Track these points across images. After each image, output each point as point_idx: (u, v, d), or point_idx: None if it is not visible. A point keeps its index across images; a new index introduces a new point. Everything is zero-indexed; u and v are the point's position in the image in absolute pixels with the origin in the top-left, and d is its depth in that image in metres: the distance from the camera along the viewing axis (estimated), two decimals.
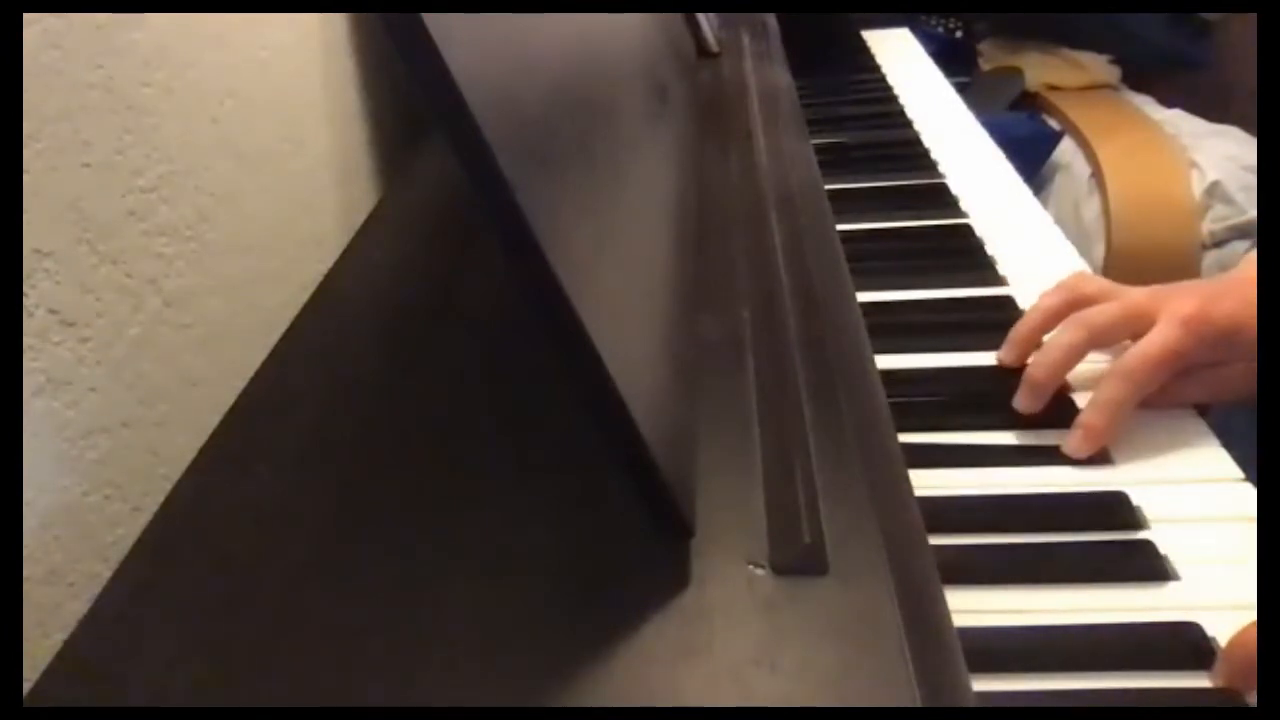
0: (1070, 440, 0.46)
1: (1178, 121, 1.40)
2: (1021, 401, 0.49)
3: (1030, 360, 0.50)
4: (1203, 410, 0.48)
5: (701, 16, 0.83)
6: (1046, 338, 0.51)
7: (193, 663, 0.28)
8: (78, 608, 0.36)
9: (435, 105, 0.22)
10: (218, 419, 0.39)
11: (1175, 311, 0.48)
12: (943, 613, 0.32)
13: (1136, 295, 0.50)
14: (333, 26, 0.65)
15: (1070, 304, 0.51)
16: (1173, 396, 0.48)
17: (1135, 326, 0.49)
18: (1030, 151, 1.35)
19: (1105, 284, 0.52)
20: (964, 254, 0.65)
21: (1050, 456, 0.46)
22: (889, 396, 0.41)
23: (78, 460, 0.37)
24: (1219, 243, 1.23)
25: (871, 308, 0.56)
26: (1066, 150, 1.39)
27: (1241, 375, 0.47)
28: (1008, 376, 0.52)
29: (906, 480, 0.37)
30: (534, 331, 0.26)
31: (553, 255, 0.24)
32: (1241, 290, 0.48)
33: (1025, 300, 0.57)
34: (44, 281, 0.36)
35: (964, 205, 0.71)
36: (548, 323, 0.25)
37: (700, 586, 0.28)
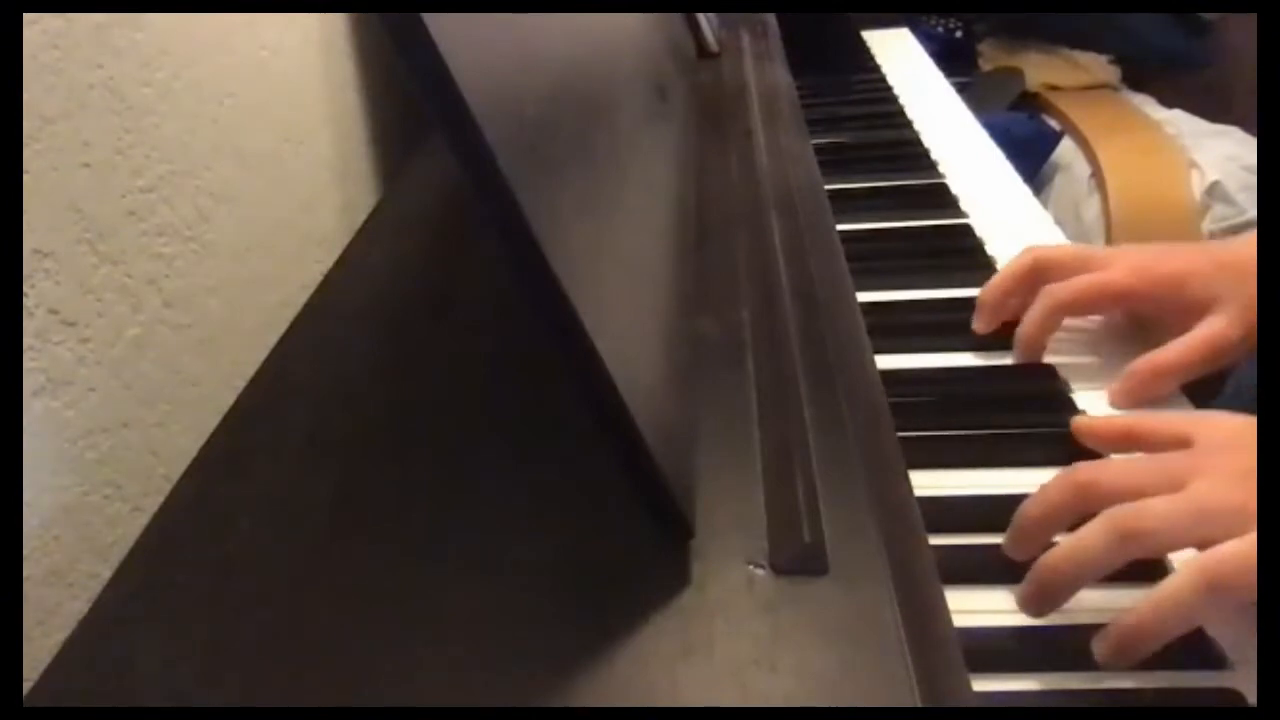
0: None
1: (1178, 121, 1.40)
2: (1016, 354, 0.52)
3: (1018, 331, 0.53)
4: (1200, 407, 0.48)
5: (701, 16, 0.83)
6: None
7: (193, 662, 0.28)
8: (78, 608, 0.36)
9: (435, 105, 0.22)
10: (218, 419, 0.39)
11: (1125, 258, 0.51)
12: (943, 613, 0.32)
13: (1098, 249, 0.53)
14: (333, 26, 0.65)
15: (1033, 268, 0.53)
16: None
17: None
18: (1030, 151, 1.35)
19: (1066, 247, 0.55)
20: (964, 254, 0.65)
21: (1050, 457, 0.46)
22: (889, 396, 0.41)
23: (78, 460, 0.37)
24: None
25: (871, 308, 0.56)
26: (1066, 150, 1.39)
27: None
28: (1008, 376, 0.52)
29: (906, 480, 0.37)
30: (534, 332, 0.26)
31: (552, 255, 0.24)
32: (1199, 247, 0.51)
33: None
34: (44, 281, 0.36)
35: (964, 205, 0.71)
36: (547, 323, 0.25)
37: (700, 586, 0.28)
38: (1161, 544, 0.36)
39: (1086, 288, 0.51)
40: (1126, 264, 0.51)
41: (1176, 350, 0.48)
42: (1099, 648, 0.34)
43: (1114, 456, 0.43)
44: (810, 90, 0.91)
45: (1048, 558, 0.36)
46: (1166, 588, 0.33)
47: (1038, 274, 0.53)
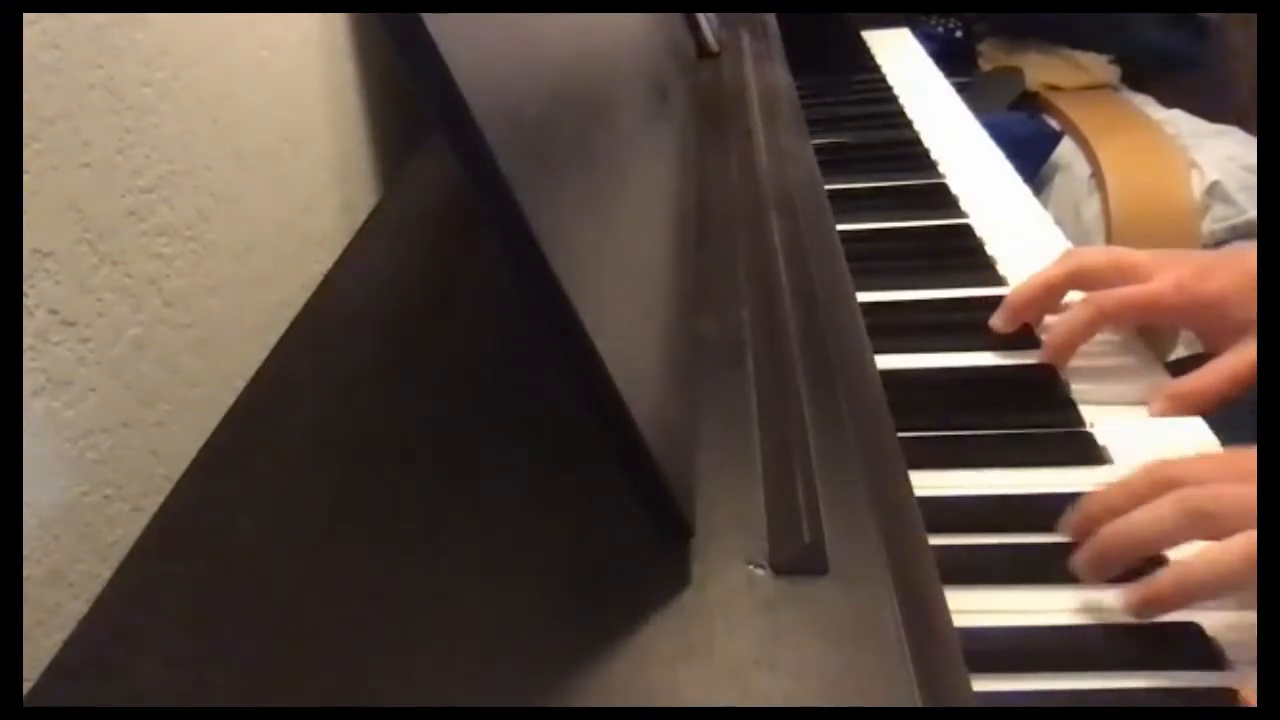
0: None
1: (1178, 121, 1.40)
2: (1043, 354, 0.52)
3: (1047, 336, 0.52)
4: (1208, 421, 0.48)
5: (701, 16, 0.83)
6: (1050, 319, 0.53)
7: (193, 662, 0.28)
8: (78, 608, 0.36)
9: (435, 105, 0.22)
10: (218, 419, 0.39)
11: (1169, 271, 0.51)
12: (943, 613, 0.32)
13: (1138, 257, 0.52)
14: (333, 26, 0.65)
15: (1074, 277, 0.52)
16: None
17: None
18: (1030, 151, 1.35)
19: (1104, 255, 0.54)
20: (964, 254, 0.65)
21: (1051, 457, 0.46)
22: (889, 396, 0.41)
23: (78, 460, 0.37)
24: (1219, 243, 1.23)
25: (871, 308, 0.56)
26: (1066, 150, 1.39)
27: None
28: (1008, 376, 0.52)
29: (906, 480, 0.37)
30: (534, 332, 0.26)
31: (552, 255, 0.24)
32: (1238, 263, 0.50)
33: None
34: (44, 281, 0.36)
35: (964, 205, 0.71)
36: (547, 323, 0.25)
37: (700, 586, 0.28)
38: (1226, 528, 0.36)
39: (1133, 301, 0.50)
40: (1170, 279, 0.50)
41: (1210, 377, 0.48)
42: (1130, 596, 0.36)
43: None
44: (810, 90, 0.91)
45: (1115, 523, 0.37)
46: (1215, 549, 0.35)
47: (1076, 283, 0.53)
